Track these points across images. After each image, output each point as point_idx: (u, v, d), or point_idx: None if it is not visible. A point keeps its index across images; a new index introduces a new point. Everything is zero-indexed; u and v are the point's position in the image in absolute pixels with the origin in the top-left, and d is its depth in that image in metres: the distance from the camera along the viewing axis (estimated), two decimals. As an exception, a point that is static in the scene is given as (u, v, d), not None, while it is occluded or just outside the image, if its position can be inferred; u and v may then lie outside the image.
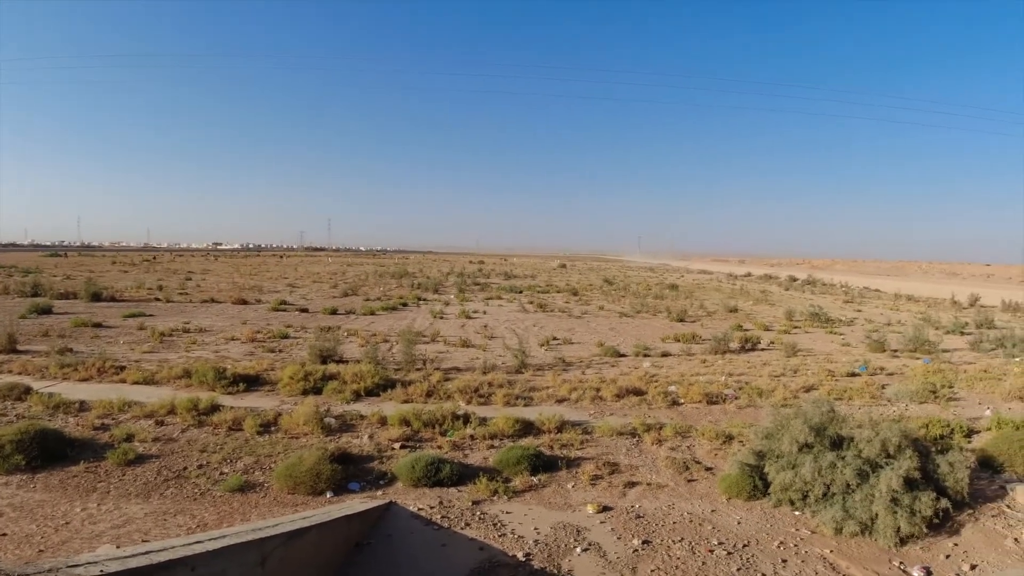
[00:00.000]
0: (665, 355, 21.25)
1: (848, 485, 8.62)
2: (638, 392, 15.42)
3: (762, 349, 23.24)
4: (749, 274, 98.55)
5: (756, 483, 9.51)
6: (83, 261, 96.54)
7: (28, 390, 14.25)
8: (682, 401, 14.99)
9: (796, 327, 30.49)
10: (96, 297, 35.88)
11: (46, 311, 29.90)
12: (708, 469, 10.67)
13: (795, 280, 78.83)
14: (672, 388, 15.79)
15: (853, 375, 18.54)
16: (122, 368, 16.77)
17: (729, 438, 12.00)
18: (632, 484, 9.99)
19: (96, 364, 16.67)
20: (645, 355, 21.09)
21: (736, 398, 15.27)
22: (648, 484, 10.02)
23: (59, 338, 22.12)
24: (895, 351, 23.25)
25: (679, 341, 24.52)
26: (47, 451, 10.24)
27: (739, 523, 8.76)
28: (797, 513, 9.04)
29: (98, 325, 25.77)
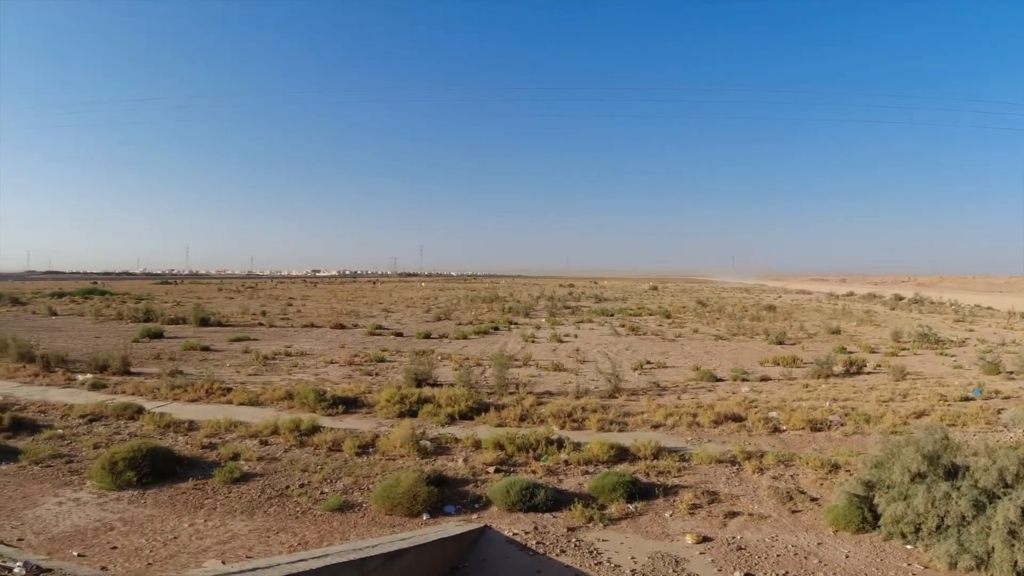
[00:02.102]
0: (764, 379, 20.62)
1: (963, 517, 8.10)
2: (737, 418, 14.98)
3: (868, 373, 22.24)
4: (851, 293, 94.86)
5: (865, 515, 9.04)
6: (192, 288, 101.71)
7: (141, 410, 15.06)
8: (784, 428, 14.47)
9: (904, 349, 29.11)
10: (204, 322, 37.69)
11: (158, 335, 31.61)
12: (813, 499, 10.21)
13: (901, 299, 75.14)
14: (773, 414, 15.28)
15: (967, 399, 17.51)
16: (229, 390, 17.52)
17: (835, 467, 11.45)
18: (733, 514, 9.66)
19: (204, 386, 17.47)
20: (743, 379, 20.52)
21: (842, 424, 14.64)
22: (750, 514, 9.66)
23: (170, 361, 23.33)
24: (1011, 373, 21.87)
25: (779, 365, 23.73)
26: (157, 468, 10.75)
27: (847, 557, 8.35)
28: (909, 547, 8.54)
29: (206, 349, 27.04)
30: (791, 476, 11.30)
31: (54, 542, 8.28)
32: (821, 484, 10.85)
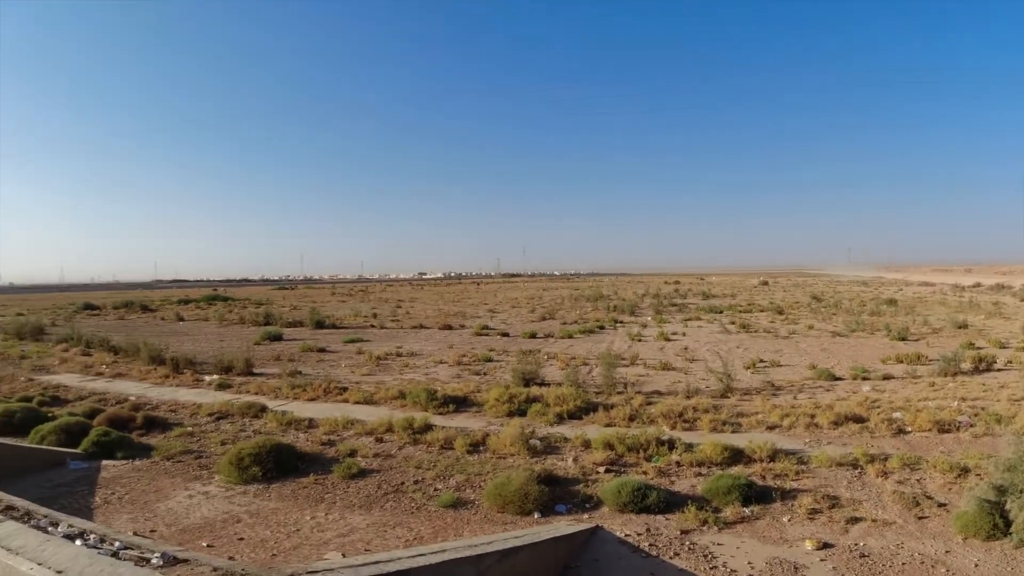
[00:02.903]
0: (886, 378, 19.53)
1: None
2: (858, 419, 14.22)
3: (998, 370, 20.66)
4: (978, 284, 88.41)
5: (996, 521, 8.38)
6: (306, 293, 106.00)
7: (264, 408, 15.74)
8: (909, 429, 13.65)
9: (1038, 344, 26.94)
10: (319, 325, 39.14)
11: (277, 338, 33.07)
12: (941, 505, 9.55)
13: None
14: (897, 415, 14.44)
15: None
16: (344, 389, 18.09)
17: (964, 471, 10.66)
18: (855, 520, 9.15)
19: (322, 385, 18.11)
20: (864, 378, 19.51)
21: (971, 425, 13.67)
22: (873, 520, 9.13)
23: (289, 362, 24.33)
24: None
25: (901, 362, 22.38)
26: (280, 464, 11.20)
27: (976, 566, 7.76)
28: None
29: (322, 350, 28.05)
30: (917, 480, 10.61)
31: (184, 533, 8.72)
32: (949, 489, 10.14)
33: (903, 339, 29.10)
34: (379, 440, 13.20)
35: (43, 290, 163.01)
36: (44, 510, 4.93)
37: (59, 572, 3.63)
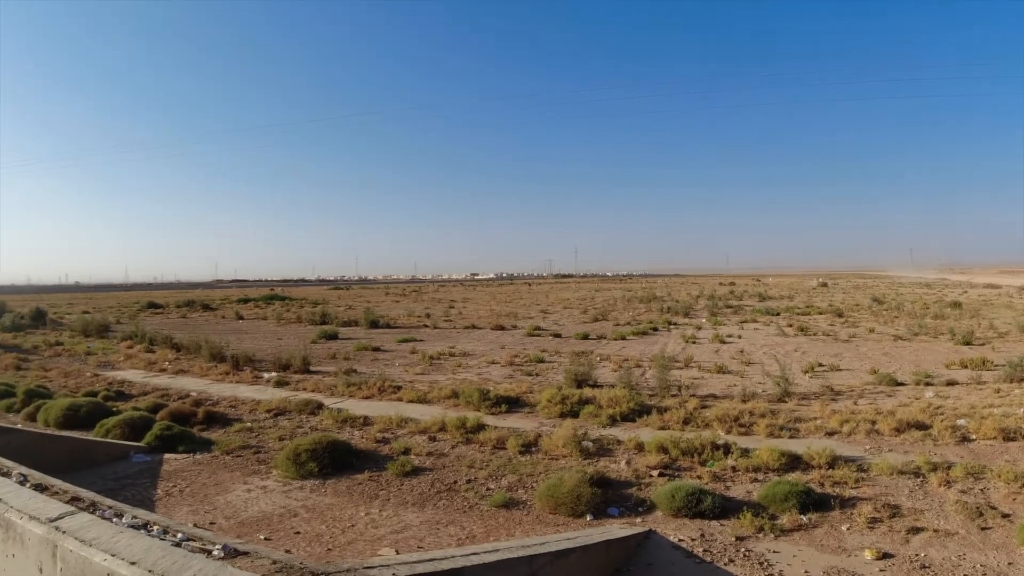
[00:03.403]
0: (950, 383, 18.87)
1: None
2: (921, 426, 13.78)
3: (1071, 377, 19.84)
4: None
5: None
6: (361, 293, 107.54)
7: (320, 406, 15.99)
8: (973, 437, 13.17)
9: (1113, 350, 25.72)
10: (374, 324, 39.63)
11: (333, 337, 33.59)
12: (1005, 516, 9.17)
13: None
14: (961, 422, 13.95)
15: None
16: (398, 388, 18.28)
17: (1031, 480, 10.30)
18: (916, 530, 8.86)
19: (376, 384, 18.33)
20: (927, 384, 18.91)
21: (1039, 434, 13.16)
22: (935, 531, 8.82)
23: (344, 360, 24.69)
24: None
25: (966, 367, 21.61)
26: (336, 460, 11.36)
27: None
28: None
29: (376, 349, 28.40)
30: (981, 490, 10.22)
31: (243, 526, 8.91)
32: (1014, 499, 9.74)
33: (968, 343, 28.09)
34: (432, 439, 13.30)
35: (108, 289, 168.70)
36: (109, 501, 5.07)
37: (132, 563, 3.72)
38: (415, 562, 4.62)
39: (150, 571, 3.63)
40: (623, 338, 32.59)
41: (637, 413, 14.97)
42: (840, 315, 44.10)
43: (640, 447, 12.39)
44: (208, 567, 3.68)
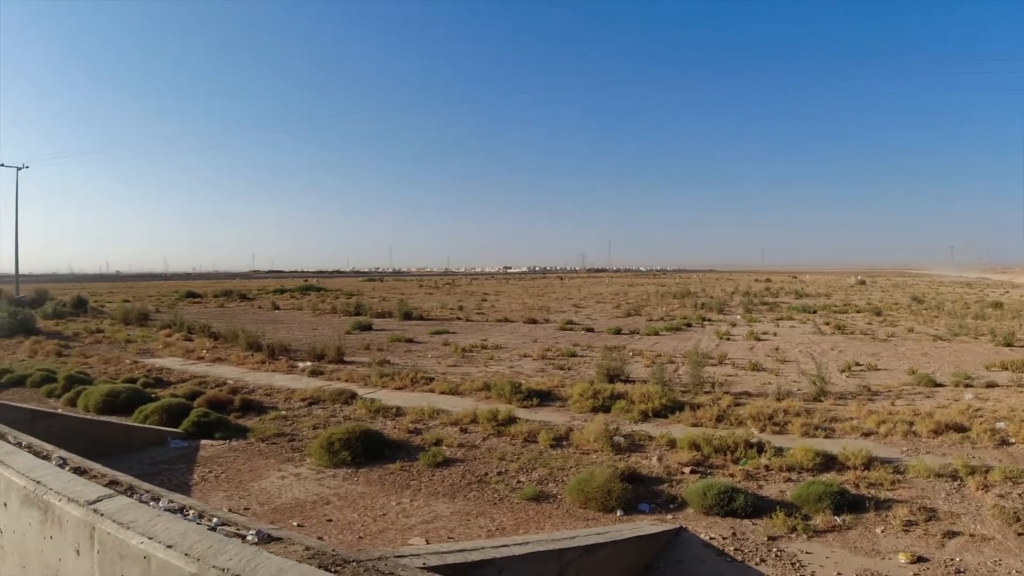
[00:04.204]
0: (990, 385, 18.44)
1: None
2: (959, 428, 13.47)
3: (1114, 381, 19.26)
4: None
5: None
6: (395, 285, 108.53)
7: (354, 395, 16.14)
8: (1013, 440, 12.84)
9: None
10: (407, 316, 39.92)
11: (367, 328, 33.91)
12: (1043, 521, 8.99)
13: None
14: (1001, 425, 13.62)
15: None
16: (431, 379, 18.37)
17: (1070, 486, 10.02)
18: (952, 534, 8.67)
19: (409, 375, 18.45)
20: (966, 385, 18.49)
21: (1082, 439, 12.81)
22: (971, 535, 8.62)
23: (378, 351, 24.88)
24: None
25: (1007, 369, 21.08)
26: (369, 449, 11.46)
27: None
28: None
29: (409, 340, 28.60)
30: (1019, 495, 9.95)
31: (276, 512, 9.04)
32: (1053, 505, 9.52)
33: (1009, 344, 27.38)
34: (464, 430, 13.35)
35: (148, 278, 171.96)
36: (146, 485, 5.16)
37: (169, 546, 3.78)
38: (445, 552, 4.64)
39: (186, 554, 3.69)
40: (656, 333, 32.39)
41: (669, 409, 14.86)
42: (878, 314, 43.33)
43: (672, 444, 12.31)
44: (244, 551, 3.73)
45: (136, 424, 13.16)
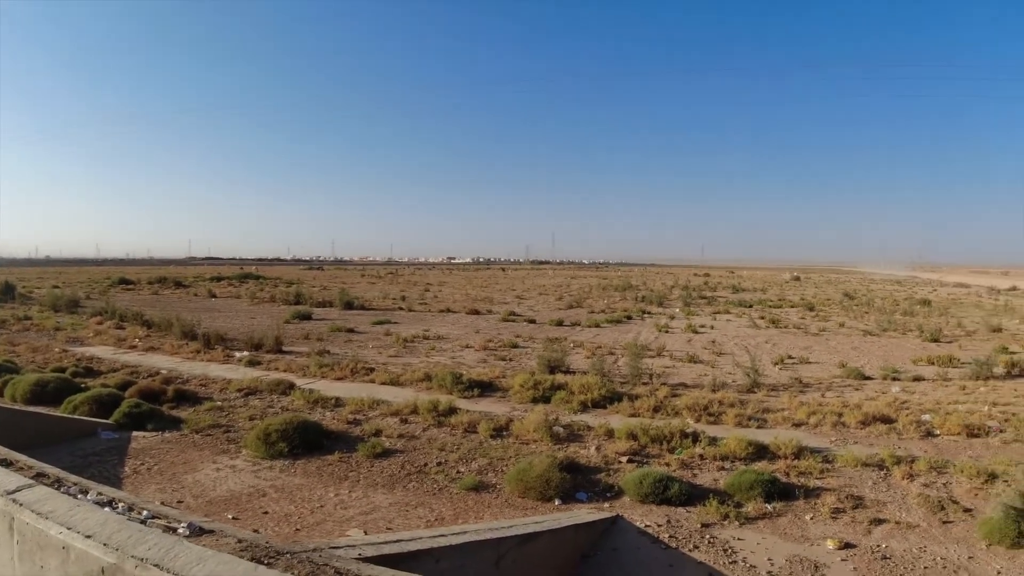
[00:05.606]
0: (917, 379, 19.21)
1: None
2: (886, 420, 14.00)
3: (1033, 376, 20.25)
4: (1015, 288, 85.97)
5: (1021, 529, 8.17)
6: (336, 274, 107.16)
7: (292, 386, 15.92)
8: (937, 432, 13.40)
9: (1076, 351, 26.19)
10: (348, 306, 39.50)
11: (307, 317, 33.41)
12: (967, 510, 9.36)
13: None
14: (926, 417, 14.21)
15: None
16: (371, 370, 18.26)
17: (992, 476, 10.41)
18: (878, 521, 9.01)
19: (349, 365, 18.29)
20: (894, 379, 19.22)
21: (1001, 431, 13.38)
22: (897, 523, 8.98)
23: (318, 341, 24.59)
24: None
25: (933, 364, 21.95)
26: (307, 441, 11.33)
27: (998, 573, 7.58)
28: None
29: (350, 331, 28.31)
30: (943, 484, 10.41)
31: (211, 505, 8.87)
32: (976, 494, 9.94)
33: (936, 340, 28.56)
34: (404, 421, 13.31)
35: (79, 264, 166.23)
36: (74, 478, 5.03)
37: (88, 536, 3.72)
38: (381, 543, 4.64)
39: (105, 544, 3.63)
40: (597, 326, 32.77)
41: (608, 400, 15.08)
42: (811, 309, 44.60)
43: (610, 433, 12.50)
44: (163, 541, 3.68)
45: (65, 415, 12.74)
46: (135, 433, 12.18)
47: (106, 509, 4.24)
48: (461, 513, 8.89)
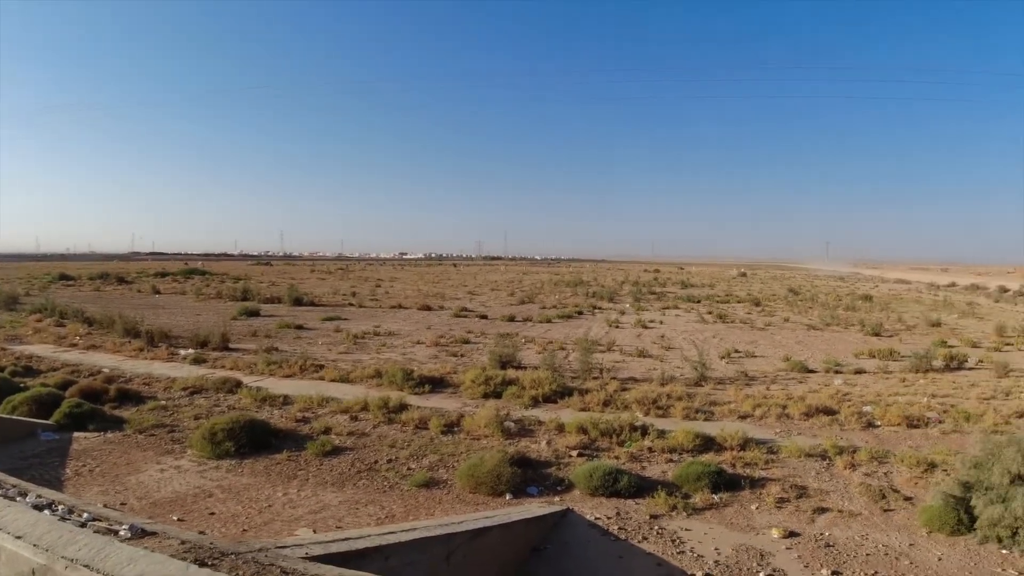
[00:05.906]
0: (859, 372, 19.77)
1: (1066, 523, 7.57)
2: (829, 411, 14.40)
3: (969, 368, 20.94)
4: (953, 284, 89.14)
5: (961, 517, 8.51)
6: (286, 270, 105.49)
7: (239, 384, 15.69)
8: (878, 423, 13.84)
9: (1008, 344, 27.15)
10: (298, 302, 39.02)
11: (254, 314, 32.97)
12: (907, 499, 9.69)
13: (1006, 291, 68.76)
14: (867, 408, 14.65)
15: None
16: (321, 367, 18.09)
17: (932, 466, 10.81)
18: (822, 510, 9.29)
19: (298, 362, 18.10)
20: (836, 371, 19.75)
21: (940, 422, 13.90)
22: (839, 511, 9.27)
23: (266, 338, 24.26)
24: None
25: (874, 357, 22.66)
26: (254, 440, 11.19)
27: (939, 560, 7.91)
28: (1005, 552, 8.01)
29: (299, 327, 27.98)
30: (884, 473, 10.77)
31: (155, 507, 8.71)
32: (916, 483, 10.30)
33: (877, 335, 29.52)
34: (354, 418, 13.22)
35: (18, 259, 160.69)
36: (13, 480, 4.91)
37: (19, 537, 3.65)
38: (329, 541, 4.62)
39: (35, 545, 3.59)
40: (549, 321, 32.97)
41: (559, 395, 15.19)
42: (757, 304, 45.61)
43: (561, 428, 12.61)
44: (95, 542, 3.64)
45: (4, 416, 12.34)
46: (76, 434, 11.88)
47: (46, 512, 4.16)
48: (412, 510, 8.88)
